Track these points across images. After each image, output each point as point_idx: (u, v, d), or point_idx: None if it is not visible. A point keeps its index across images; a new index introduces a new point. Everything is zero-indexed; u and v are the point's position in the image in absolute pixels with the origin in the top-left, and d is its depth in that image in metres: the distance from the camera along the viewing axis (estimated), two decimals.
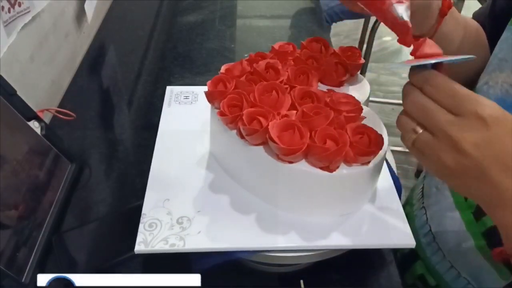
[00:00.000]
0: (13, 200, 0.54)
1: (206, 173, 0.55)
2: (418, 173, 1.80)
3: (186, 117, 0.64)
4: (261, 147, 0.47)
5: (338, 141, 0.44)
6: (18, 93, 0.58)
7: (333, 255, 0.49)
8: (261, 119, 0.45)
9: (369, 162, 0.46)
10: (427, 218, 0.60)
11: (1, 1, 0.65)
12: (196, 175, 0.55)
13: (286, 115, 0.47)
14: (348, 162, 0.46)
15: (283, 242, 0.47)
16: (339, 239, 0.47)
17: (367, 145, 0.45)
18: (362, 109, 0.50)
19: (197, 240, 0.47)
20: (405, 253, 0.66)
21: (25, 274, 0.52)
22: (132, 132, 0.81)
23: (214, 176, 0.55)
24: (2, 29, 0.66)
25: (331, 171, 0.45)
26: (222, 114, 0.48)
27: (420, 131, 0.36)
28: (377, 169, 0.49)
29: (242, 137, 0.48)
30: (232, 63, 0.55)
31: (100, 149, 0.76)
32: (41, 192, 0.60)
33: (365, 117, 0.50)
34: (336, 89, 0.56)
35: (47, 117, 0.75)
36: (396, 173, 0.58)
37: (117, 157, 0.75)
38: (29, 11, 0.74)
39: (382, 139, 0.46)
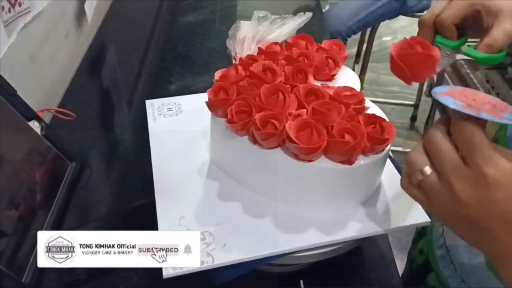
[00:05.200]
0: (13, 200, 0.54)
1: (212, 184, 0.54)
2: None
3: (176, 129, 0.62)
4: (277, 150, 0.47)
5: (355, 134, 0.44)
6: (18, 93, 0.58)
7: (333, 255, 0.49)
8: (275, 122, 0.45)
9: (383, 150, 0.47)
10: (443, 231, 0.60)
11: (1, 1, 0.65)
12: (203, 187, 0.53)
13: (299, 115, 0.47)
14: (365, 152, 0.46)
15: (312, 239, 0.47)
16: (361, 229, 0.48)
17: (381, 134, 0.46)
18: (365, 99, 0.50)
19: (225, 253, 0.45)
20: (420, 264, 0.65)
21: (25, 274, 0.52)
22: (132, 132, 0.82)
23: (221, 185, 0.53)
24: (2, 29, 0.66)
25: (351, 163, 0.45)
26: (231, 121, 0.47)
27: (429, 172, 0.34)
28: (387, 156, 0.50)
29: (255, 142, 0.47)
30: (225, 69, 0.54)
31: (100, 149, 0.76)
32: (42, 192, 0.60)
33: (369, 107, 0.51)
34: (329, 83, 0.56)
35: (47, 117, 0.75)
36: None
37: (117, 157, 0.75)
38: (29, 11, 0.74)
39: (393, 126, 0.47)
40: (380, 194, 0.52)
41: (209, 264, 0.44)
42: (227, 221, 0.49)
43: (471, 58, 0.46)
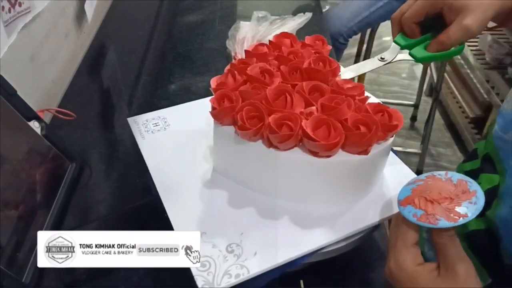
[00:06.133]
0: (13, 200, 0.54)
1: (223, 194, 0.53)
2: (418, 173, 1.80)
3: (169, 144, 0.60)
4: (293, 150, 0.47)
5: (369, 124, 0.45)
6: (18, 93, 0.58)
7: (334, 254, 0.49)
8: (290, 123, 0.45)
9: (392, 136, 0.49)
10: None
11: (1, 1, 0.65)
12: (215, 199, 0.52)
13: (311, 113, 0.47)
14: (378, 140, 0.47)
15: (339, 233, 0.48)
16: (377, 215, 0.50)
17: (390, 121, 0.47)
18: (364, 90, 0.51)
19: (259, 261, 0.45)
20: None
21: (25, 274, 0.52)
22: (132, 132, 0.81)
23: (233, 193, 0.53)
24: (2, 29, 0.66)
25: (367, 153, 0.46)
26: (243, 128, 0.46)
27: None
28: (391, 142, 0.51)
29: (270, 145, 0.47)
30: (219, 76, 0.54)
31: (100, 149, 0.76)
32: (41, 192, 0.60)
33: (370, 97, 0.52)
34: None
35: (47, 117, 0.75)
36: None
37: (117, 157, 0.75)
38: (29, 11, 0.74)
39: (398, 111, 0.48)
40: (384, 182, 0.54)
41: (245, 275, 0.44)
42: (250, 229, 0.48)
43: (411, 58, 0.52)
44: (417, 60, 0.51)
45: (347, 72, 0.55)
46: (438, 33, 0.50)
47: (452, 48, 0.50)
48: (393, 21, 0.53)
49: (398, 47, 0.53)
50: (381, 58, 0.54)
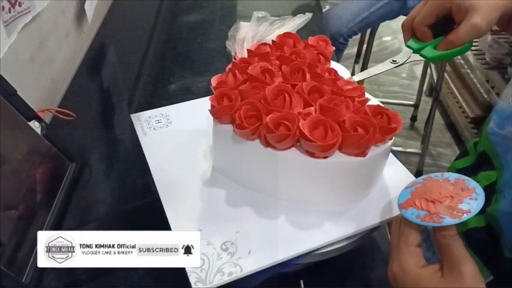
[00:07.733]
0: (13, 200, 0.54)
1: (221, 192, 0.53)
2: (418, 173, 1.81)
3: (170, 141, 0.60)
4: (290, 150, 0.47)
5: (367, 126, 0.45)
6: (18, 93, 0.58)
7: (334, 254, 0.49)
8: (287, 123, 0.45)
9: (390, 139, 0.48)
10: None
11: (1, 1, 0.65)
12: (213, 197, 0.52)
13: (309, 113, 0.47)
14: (376, 143, 0.47)
15: (336, 233, 0.48)
16: (376, 217, 0.49)
17: (388, 123, 0.47)
18: (365, 91, 0.51)
19: (252, 260, 0.45)
20: None
21: (25, 274, 0.52)
22: (132, 132, 0.81)
23: (231, 192, 0.53)
24: (2, 29, 0.66)
25: (365, 155, 0.46)
26: (241, 127, 0.46)
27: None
28: (391, 144, 0.51)
29: (267, 145, 0.47)
30: (220, 75, 0.54)
31: (100, 149, 0.76)
32: (42, 192, 0.60)
33: (370, 99, 0.51)
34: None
35: (47, 117, 0.75)
36: None
37: (117, 157, 0.75)
38: (29, 11, 0.74)
39: (398, 114, 0.48)
40: (383, 184, 0.54)
41: (238, 274, 0.44)
42: (245, 228, 0.48)
43: (423, 59, 0.52)
44: (428, 59, 0.52)
45: (358, 74, 0.56)
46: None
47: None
48: (404, 27, 0.54)
49: (410, 51, 0.53)
50: (393, 60, 0.54)
